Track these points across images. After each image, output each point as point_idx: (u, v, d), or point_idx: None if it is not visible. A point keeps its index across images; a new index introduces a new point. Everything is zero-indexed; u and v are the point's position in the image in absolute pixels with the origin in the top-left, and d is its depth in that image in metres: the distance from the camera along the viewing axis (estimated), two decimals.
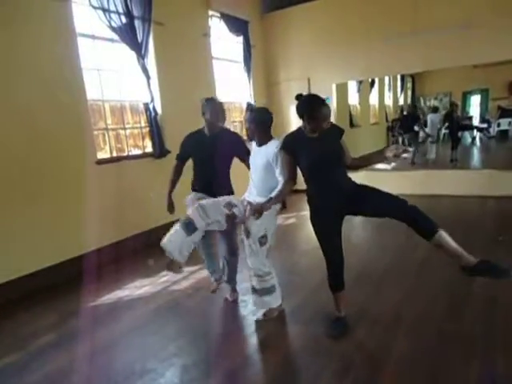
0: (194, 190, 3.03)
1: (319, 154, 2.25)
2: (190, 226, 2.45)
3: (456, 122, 7.98)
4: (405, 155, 2.31)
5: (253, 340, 2.55)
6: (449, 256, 2.06)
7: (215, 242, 3.09)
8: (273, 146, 2.51)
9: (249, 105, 6.63)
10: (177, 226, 2.49)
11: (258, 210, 2.22)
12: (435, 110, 8.42)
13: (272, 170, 2.51)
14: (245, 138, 2.91)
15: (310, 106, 2.20)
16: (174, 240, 2.45)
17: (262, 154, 2.55)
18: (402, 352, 2.20)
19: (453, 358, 2.12)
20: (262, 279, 2.62)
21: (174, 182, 3.06)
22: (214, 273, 3.14)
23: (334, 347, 2.32)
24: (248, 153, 2.89)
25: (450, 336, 2.33)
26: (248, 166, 2.82)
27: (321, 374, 2.11)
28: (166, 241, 2.47)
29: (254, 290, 2.69)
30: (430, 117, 8.17)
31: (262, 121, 2.57)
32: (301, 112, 2.23)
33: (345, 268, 2.41)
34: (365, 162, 2.56)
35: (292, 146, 2.32)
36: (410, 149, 2.20)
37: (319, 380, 2.06)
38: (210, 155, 2.86)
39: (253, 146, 2.70)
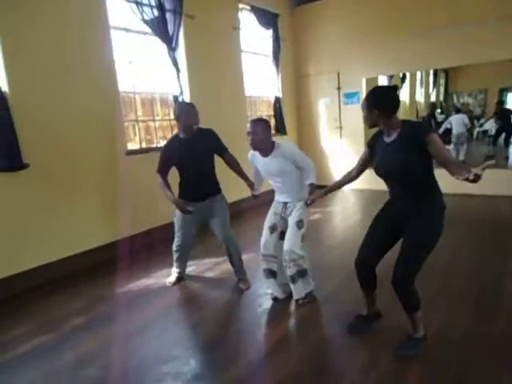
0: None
1: (385, 167, 2.04)
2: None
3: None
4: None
5: (277, 332, 2.54)
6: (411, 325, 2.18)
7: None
8: (280, 156, 2.66)
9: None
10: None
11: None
12: (458, 111, 8.19)
13: (288, 172, 2.70)
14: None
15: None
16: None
17: (274, 163, 2.69)
18: (429, 354, 2.15)
19: (483, 364, 2.04)
20: (295, 263, 2.72)
21: (168, 188, 3.06)
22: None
23: (361, 344, 2.29)
24: (225, 148, 3.08)
25: (480, 339, 2.25)
26: (227, 162, 3.11)
27: (347, 369, 2.10)
28: None
29: (292, 279, 2.77)
30: (452, 118, 7.91)
31: (267, 131, 2.68)
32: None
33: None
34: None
35: (371, 145, 2.20)
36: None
37: (345, 375, 2.05)
38: (191, 158, 2.92)
39: (257, 156, 2.77)
